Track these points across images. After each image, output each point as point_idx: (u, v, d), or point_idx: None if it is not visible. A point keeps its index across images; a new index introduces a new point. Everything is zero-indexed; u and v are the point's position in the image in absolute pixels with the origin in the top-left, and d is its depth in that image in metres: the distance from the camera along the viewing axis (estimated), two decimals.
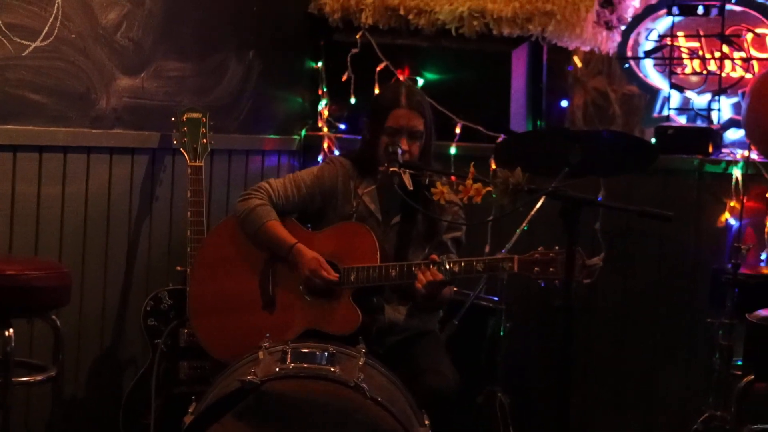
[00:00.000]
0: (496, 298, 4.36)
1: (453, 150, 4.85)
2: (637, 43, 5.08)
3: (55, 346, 3.63)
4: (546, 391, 4.66)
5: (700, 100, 4.91)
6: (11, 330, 3.35)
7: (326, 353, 3.19)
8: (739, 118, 4.75)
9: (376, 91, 4.86)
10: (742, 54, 4.81)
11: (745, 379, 3.66)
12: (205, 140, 4.26)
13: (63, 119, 3.97)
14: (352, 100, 5.09)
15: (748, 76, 4.77)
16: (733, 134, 4.85)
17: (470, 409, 4.26)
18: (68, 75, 3.96)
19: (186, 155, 4.23)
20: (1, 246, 3.78)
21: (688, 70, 4.94)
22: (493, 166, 4.49)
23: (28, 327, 3.84)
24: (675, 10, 4.78)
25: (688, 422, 4.24)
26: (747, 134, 4.55)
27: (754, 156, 4.47)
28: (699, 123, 4.87)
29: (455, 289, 3.94)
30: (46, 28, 3.82)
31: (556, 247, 3.38)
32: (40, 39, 3.81)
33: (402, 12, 4.93)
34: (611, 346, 4.70)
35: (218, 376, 3.44)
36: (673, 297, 4.60)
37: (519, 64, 4.94)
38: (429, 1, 4.88)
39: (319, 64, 5.25)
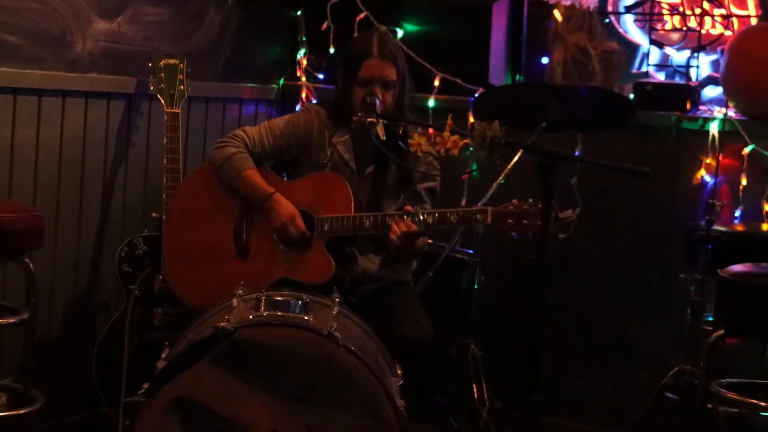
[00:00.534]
0: (470, 251, 4.38)
1: (431, 102, 4.83)
2: None
3: (28, 289, 3.63)
4: (519, 344, 4.70)
5: (679, 57, 4.91)
6: None
7: (300, 302, 3.19)
8: (717, 75, 4.75)
9: (350, 42, 4.82)
10: (723, 11, 4.80)
11: (714, 334, 3.68)
12: (182, 87, 4.24)
13: (38, 61, 3.94)
14: (331, 50, 5.06)
15: (728, 33, 4.76)
16: (711, 91, 4.85)
17: (443, 361, 4.28)
18: (43, 16, 3.92)
19: (163, 101, 4.20)
20: None
21: (668, 27, 4.93)
22: (471, 119, 4.48)
23: (1, 269, 3.83)
24: None
25: (658, 376, 4.28)
26: (725, 91, 4.55)
27: (731, 113, 4.47)
28: (677, 80, 4.87)
29: (430, 241, 3.94)
30: None
31: (530, 200, 3.39)
32: None
33: None
34: (585, 301, 4.73)
35: (192, 323, 3.44)
36: (648, 253, 4.62)
37: (499, 17, 4.92)
38: None
39: (299, 13, 5.20)
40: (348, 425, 3.01)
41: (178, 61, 4.26)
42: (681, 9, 4.88)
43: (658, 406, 4.23)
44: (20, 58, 3.86)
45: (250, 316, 3.10)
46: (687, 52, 4.87)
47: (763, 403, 3.75)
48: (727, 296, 3.66)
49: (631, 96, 4.67)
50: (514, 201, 3.44)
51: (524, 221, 3.40)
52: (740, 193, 4.45)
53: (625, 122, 4.21)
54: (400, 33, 4.89)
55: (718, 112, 4.55)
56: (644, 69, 4.98)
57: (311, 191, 3.67)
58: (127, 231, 4.33)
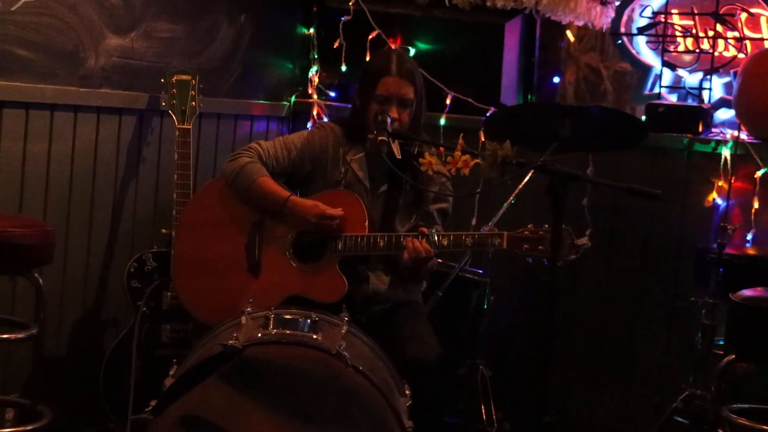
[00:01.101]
0: (480, 271, 4.36)
1: (443, 121, 4.83)
2: (630, 20, 5.06)
3: (37, 304, 3.62)
4: (527, 365, 4.68)
5: (691, 79, 4.90)
6: None
7: (309, 320, 3.18)
8: (730, 97, 4.74)
9: (368, 59, 4.83)
10: (736, 33, 4.79)
11: (726, 359, 3.66)
12: (194, 103, 4.24)
13: (51, 76, 3.95)
14: (343, 68, 5.06)
15: (741, 56, 4.76)
16: (724, 114, 4.84)
17: (452, 381, 4.26)
18: (57, 31, 3.93)
19: (174, 117, 4.20)
20: None
21: (680, 48, 4.92)
22: (482, 139, 4.47)
23: (11, 284, 3.83)
24: None
25: (668, 400, 4.25)
26: (737, 114, 4.54)
27: (744, 136, 4.46)
28: (690, 102, 4.86)
29: (440, 261, 3.93)
30: None
31: (546, 225, 3.37)
32: None
33: None
34: (594, 322, 4.71)
35: (200, 340, 3.43)
36: (657, 275, 4.61)
37: (512, 36, 4.92)
38: None
39: (311, 30, 5.21)
40: None
41: (190, 77, 4.26)
42: (694, 31, 4.88)
43: (668, 430, 4.21)
44: (33, 72, 3.86)
45: (259, 334, 3.08)
46: (700, 74, 4.86)
47: None
48: (738, 320, 3.64)
49: (644, 117, 4.67)
50: (530, 226, 3.42)
51: (540, 247, 3.39)
52: (752, 217, 4.44)
53: (636, 143, 4.20)
54: (411, 51, 4.90)
55: (731, 135, 4.54)
56: (656, 90, 4.97)
57: None
58: (136, 247, 4.33)
